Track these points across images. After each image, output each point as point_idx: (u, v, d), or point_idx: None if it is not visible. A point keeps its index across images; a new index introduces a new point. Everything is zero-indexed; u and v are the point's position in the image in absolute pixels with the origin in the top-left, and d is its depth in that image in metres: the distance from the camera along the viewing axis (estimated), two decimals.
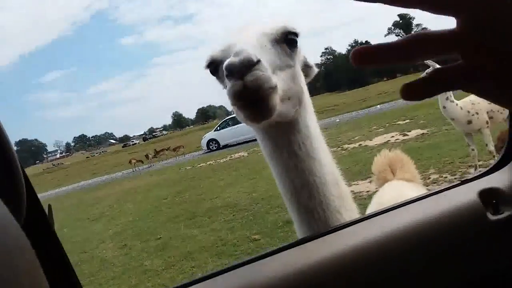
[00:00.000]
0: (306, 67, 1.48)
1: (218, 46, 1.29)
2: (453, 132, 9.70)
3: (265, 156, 1.41)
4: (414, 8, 0.45)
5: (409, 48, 0.46)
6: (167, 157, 29.28)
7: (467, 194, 1.19)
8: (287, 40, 1.27)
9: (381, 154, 3.39)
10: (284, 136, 1.33)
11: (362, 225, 1.21)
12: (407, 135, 12.85)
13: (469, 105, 6.96)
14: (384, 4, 0.44)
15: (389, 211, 1.23)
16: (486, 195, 1.17)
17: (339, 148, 13.64)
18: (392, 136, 13.27)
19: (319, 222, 1.32)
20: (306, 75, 1.46)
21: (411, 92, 0.47)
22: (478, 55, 0.44)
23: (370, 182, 8.09)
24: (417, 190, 2.70)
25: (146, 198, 14.65)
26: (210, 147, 26.40)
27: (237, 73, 1.03)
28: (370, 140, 13.74)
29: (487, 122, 6.87)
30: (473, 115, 6.88)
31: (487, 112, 6.87)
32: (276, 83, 1.10)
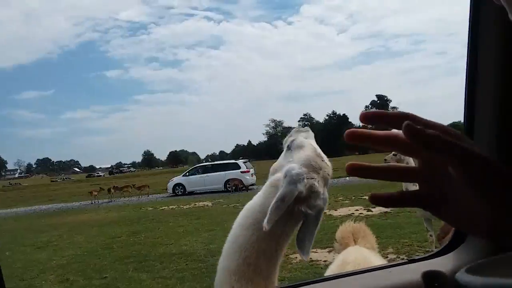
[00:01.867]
0: None
1: None
2: (415, 215, 9.91)
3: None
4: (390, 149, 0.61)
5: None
6: (129, 194, 28.50)
7: (412, 274, 1.23)
8: None
9: (346, 223, 3.55)
10: None
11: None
12: (371, 210, 13.03)
13: None
14: (372, 146, 0.59)
15: (337, 278, 1.25)
16: (429, 277, 1.21)
17: None
18: (357, 210, 13.44)
19: None
20: None
21: (377, 199, 0.58)
22: (428, 187, 0.58)
23: (329, 252, 8.07)
24: (377, 258, 2.88)
25: (99, 233, 14.04)
26: (176, 191, 25.96)
27: None
28: (335, 210, 13.84)
29: None
30: None
31: None
32: None
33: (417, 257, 1.47)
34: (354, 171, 0.59)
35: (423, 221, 7.62)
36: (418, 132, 0.50)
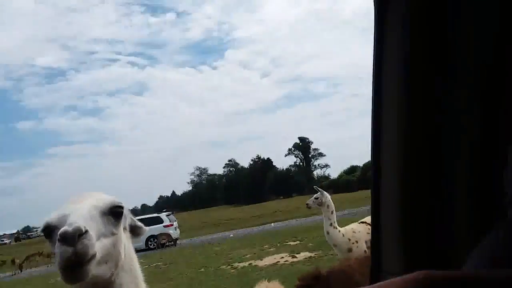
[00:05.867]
0: (135, 228, 1.74)
1: (54, 213, 1.47)
2: (338, 258, 9.89)
3: None
4: None
5: None
6: (37, 264, 25.58)
7: None
8: (113, 212, 1.52)
9: (260, 283, 3.73)
10: None
11: None
12: (295, 257, 12.87)
13: (350, 232, 7.20)
14: None
15: None
16: None
17: (229, 266, 13.13)
18: (282, 257, 13.19)
19: None
20: (136, 234, 1.75)
21: None
22: None
23: None
24: None
25: None
26: None
27: (68, 240, 1.25)
28: (261, 260, 13.48)
29: (365, 251, 7.07)
30: (353, 243, 7.08)
31: (366, 242, 7.12)
32: (95, 251, 1.32)
33: None
34: None
35: None
36: None
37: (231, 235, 24.38)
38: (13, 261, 25.16)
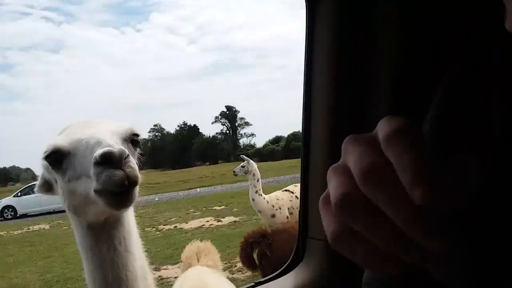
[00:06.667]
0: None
1: (61, 137, 1.32)
2: (262, 223, 10.50)
3: (81, 250, 1.40)
4: None
5: None
6: None
7: None
8: (132, 140, 1.43)
9: (192, 243, 3.76)
10: (109, 231, 1.36)
11: None
12: (221, 221, 13.33)
13: (274, 199, 7.69)
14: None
15: None
16: None
17: (154, 229, 13.25)
18: (207, 221, 13.59)
19: None
20: None
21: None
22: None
23: (179, 267, 7.95)
24: (216, 276, 3.08)
25: None
26: (5, 215, 22.52)
27: (116, 163, 1.13)
28: (186, 223, 13.77)
29: (287, 217, 7.64)
30: (276, 209, 7.59)
31: (288, 208, 7.69)
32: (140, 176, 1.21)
33: (261, 280, 1.52)
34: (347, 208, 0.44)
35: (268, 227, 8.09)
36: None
37: (156, 199, 24.32)
38: None
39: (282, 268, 1.55)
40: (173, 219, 14.97)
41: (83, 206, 1.30)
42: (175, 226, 13.39)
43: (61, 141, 1.30)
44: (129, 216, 1.45)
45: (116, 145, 1.17)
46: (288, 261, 1.58)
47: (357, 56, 1.37)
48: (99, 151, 1.13)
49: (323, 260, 1.50)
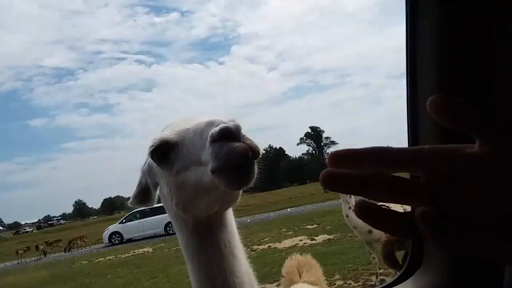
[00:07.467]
0: None
1: (166, 131, 1.28)
2: (357, 239, 10.12)
3: (186, 254, 1.34)
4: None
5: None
6: (60, 249, 26.39)
7: None
8: None
9: (292, 257, 3.51)
10: (214, 232, 1.30)
11: None
12: (314, 239, 13.13)
13: None
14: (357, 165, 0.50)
15: None
16: None
17: (249, 249, 13.28)
18: (301, 240, 13.47)
19: None
20: None
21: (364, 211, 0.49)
22: (437, 208, 0.44)
23: (277, 285, 7.91)
24: None
25: None
26: (113, 240, 24.50)
27: (235, 137, 1.06)
28: (280, 242, 13.77)
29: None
30: None
31: None
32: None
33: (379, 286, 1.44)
34: (330, 182, 0.49)
35: (364, 245, 7.76)
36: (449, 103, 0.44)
37: (248, 220, 24.72)
38: (36, 247, 26.00)
39: (400, 273, 1.45)
40: (267, 239, 15.05)
41: (194, 199, 1.24)
42: (269, 246, 13.44)
43: (167, 133, 1.27)
44: (231, 218, 1.38)
45: (230, 122, 1.09)
46: (405, 266, 1.48)
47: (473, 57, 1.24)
48: (215, 128, 1.07)
49: (443, 264, 1.37)
